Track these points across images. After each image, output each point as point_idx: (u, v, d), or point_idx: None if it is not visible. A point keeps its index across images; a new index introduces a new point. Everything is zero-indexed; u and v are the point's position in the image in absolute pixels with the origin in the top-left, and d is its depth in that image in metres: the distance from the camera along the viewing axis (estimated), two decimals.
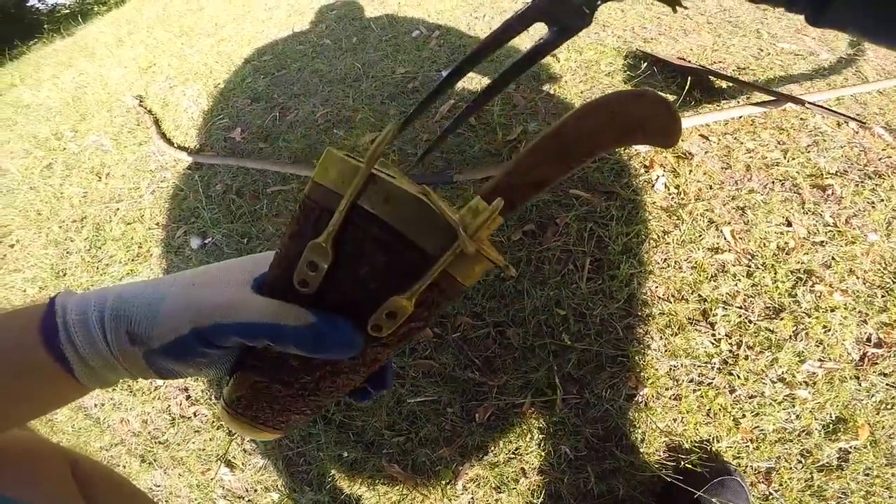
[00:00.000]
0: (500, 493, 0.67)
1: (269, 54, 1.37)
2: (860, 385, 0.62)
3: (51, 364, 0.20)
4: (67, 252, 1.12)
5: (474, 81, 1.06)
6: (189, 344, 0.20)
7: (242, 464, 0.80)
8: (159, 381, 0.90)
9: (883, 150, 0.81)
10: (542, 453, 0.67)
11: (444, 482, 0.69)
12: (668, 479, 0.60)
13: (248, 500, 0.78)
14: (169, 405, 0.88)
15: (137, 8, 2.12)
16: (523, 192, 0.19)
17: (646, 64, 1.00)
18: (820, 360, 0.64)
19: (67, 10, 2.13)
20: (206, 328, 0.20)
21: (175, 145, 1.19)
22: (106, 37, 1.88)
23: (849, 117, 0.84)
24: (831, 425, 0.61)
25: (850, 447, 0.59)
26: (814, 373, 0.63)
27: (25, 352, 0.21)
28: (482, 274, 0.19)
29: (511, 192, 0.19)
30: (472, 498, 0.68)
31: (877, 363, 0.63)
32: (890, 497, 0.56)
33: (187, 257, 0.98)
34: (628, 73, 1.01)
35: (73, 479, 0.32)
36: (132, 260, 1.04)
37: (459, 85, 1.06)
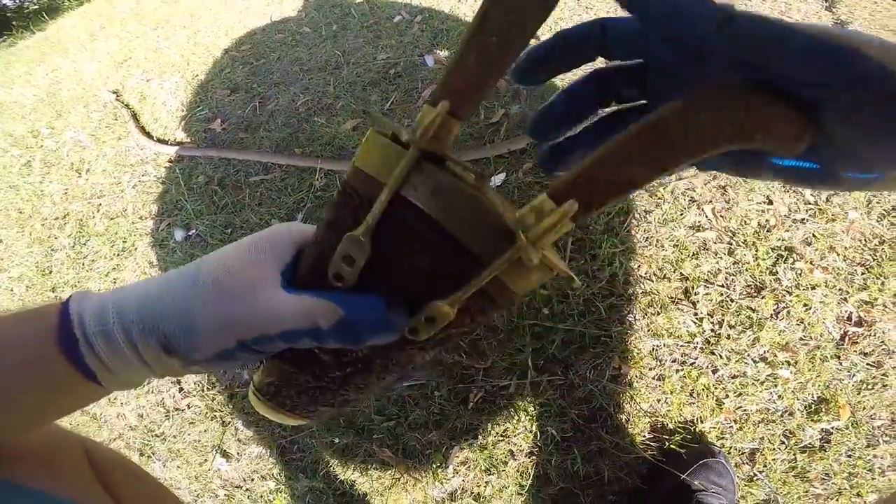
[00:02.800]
0: (490, 475, 0.64)
1: (247, 44, 1.26)
2: (841, 364, 0.59)
3: (73, 373, 0.19)
4: (52, 249, 1.04)
5: None
6: (232, 354, 0.19)
7: (238, 454, 0.76)
8: None
9: None
10: (530, 435, 0.64)
11: (435, 465, 0.66)
12: (654, 461, 0.57)
13: (247, 490, 0.74)
14: (162, 398, 0.83)
15: (109, 1, 1.95)
16: (604, 193, 0.15)
17: None
18: (801, 339, 0.60)
19: (36, 6, 1.94)
20: (250, 339, 0.19)
21: (154, 139, 1.10)
22: (78, 31, 1.74)
23: None
24: (813, 405, 0.58)
25: (832, 428, 0.57)
26: (795, 352, 0.60)
27: (45, 364, 0.19)
28: (540, 283, 0.16)
29: (589, 191, 0.14)
30: (463, 480, 0.65)
31: (857, 342, 0.60)
32: (873, 478, 0.54)
33: (172, 249, 0.91)
34: None
35: (89, 466, 0.30)
36: (117, 255, 0.97)
37: (443, 69, 0.97)
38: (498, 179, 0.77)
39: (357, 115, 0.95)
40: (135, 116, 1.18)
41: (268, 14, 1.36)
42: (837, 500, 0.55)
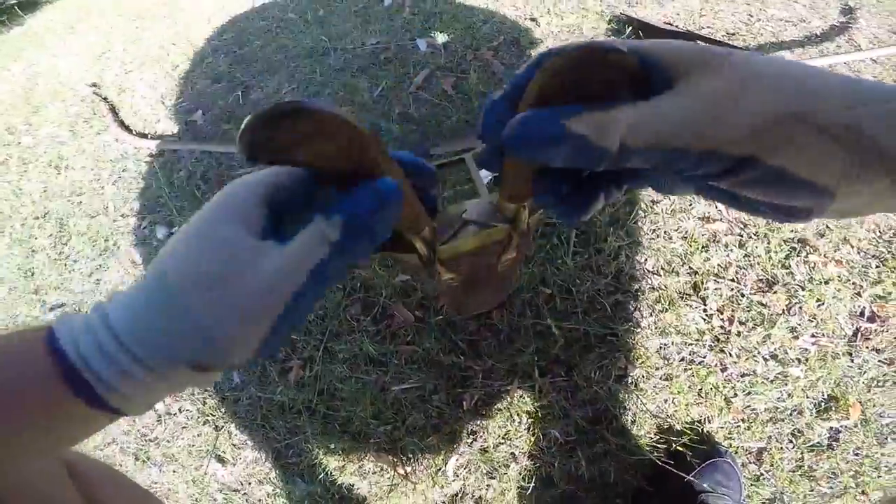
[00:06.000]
0: (491, 478, 0.59)
1: (229, 32, 1.15)
2: (852, 362, 0.54)
3: (90, 412, 0.16)
4: (33, 250, 0.95)
5: (450, 49, 0.88)
6: (278, 333, 0.17)
7: (233, 458, 0.70)
8: None
9: None
10: (532, 438, 0.58)
11: (434, 469, 0.60)
12: (660, 463, 0.52)
13: (244, 494, 0.69)
14: None
15: None
16: (519, 199, 0.20)
17: (630, 28, 0.85)
18: (813, 335, 0.55)
19: (14, 1, 1.76)
20: (287, 304, 0.16)
21: (134, 132, 1.00)
22: (56, 25, 1.59)
23: None
24: (823, 404, 0.53)
25: (841, 426, 0.52)
26: (806, 349, 0.55)
27: (54, 407, 0.16)
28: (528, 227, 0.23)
29: (514, 198, 0.20)
30: (464, 484, 0.59)
31: (870, 338, 0.54)
32: (878, 477, 0.50)
33: (155, 248, 0.83)
34: (612, 38, 0.85)
35: (69, 479, 0.27)
36: (100, 255, 0.88)
37: (436, 54, 0.88)
38: None
39: (345, 102, 0.86)
40: (113, 110, 1.08)
41: (251, 0, 1.23)
42: (843, 498, 0.51)
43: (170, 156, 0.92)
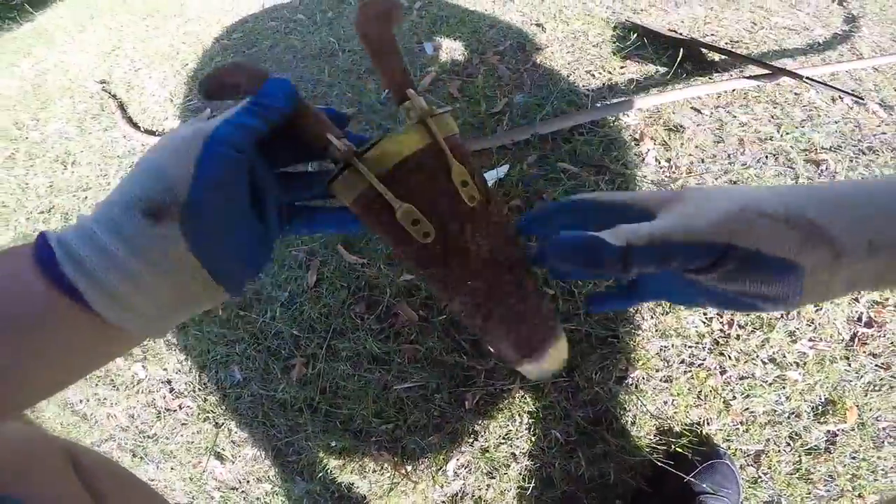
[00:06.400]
0: (491, 478, 0.59)
1: (238, 32, 1.17)
2: (850, 366, 0.55)
3: (60, 299, 0.16)
4: None
5: (457, 53, 0.90)
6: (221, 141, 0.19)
7: (232, 455, 0.71)
8: (141, 374, 0.79)
9: (877, 126, 0.72)
10: (533, 438, 0.59)
11: (434, 469, 0.61)
12: (659, 464, 0.52)
13: (242, 492, 0.69)
14: (153, 398, 0.77)
15: None
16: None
17: (635, 35, 0.87)
18: (811, 340, 0.56)
19: None
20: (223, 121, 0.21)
21: (142, 129, 1.01)
22: (66, 22, 1.61)
23: (846, 92, 0.73)
24: (820, 407, 0.54)
25: (838, 430, 0.53)
26: (804, 353, 0.56)
27: (23, 292, 0.16)
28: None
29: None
30: (464, 484, 0.60)
31: (866, 343, 0.55)
32: (875, 480, 0.51)
33: None
34: (617, 44, 0.87)
35: (73, 473, 0.28)
36: None
37: (442, 58, 0.90)
38: (501, 171, 0.71)
39: (353, 103, 0.87)
40: (122, 107, 1.09)
41: (261, 1, 1.26)
42: (839, 501, 0.52)
43: None
